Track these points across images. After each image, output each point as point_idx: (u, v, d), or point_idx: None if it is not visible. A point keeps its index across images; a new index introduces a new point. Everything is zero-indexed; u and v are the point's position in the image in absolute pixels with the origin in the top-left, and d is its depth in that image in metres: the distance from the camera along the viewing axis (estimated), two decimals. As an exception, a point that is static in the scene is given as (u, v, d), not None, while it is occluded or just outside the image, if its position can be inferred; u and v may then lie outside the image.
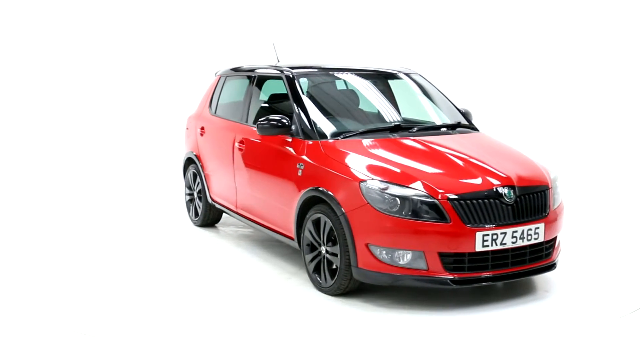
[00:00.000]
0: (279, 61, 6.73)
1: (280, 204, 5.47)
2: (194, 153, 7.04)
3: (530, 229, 4.68)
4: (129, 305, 4.84)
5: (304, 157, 5.19)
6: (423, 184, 4.59)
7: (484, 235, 4.52)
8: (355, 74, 6.08)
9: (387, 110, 5.86)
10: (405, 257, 4.54)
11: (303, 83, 5.76)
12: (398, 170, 4.74)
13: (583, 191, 8.46)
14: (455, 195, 4.55)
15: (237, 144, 6.11)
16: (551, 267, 4.94)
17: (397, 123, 5.51)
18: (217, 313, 4.69)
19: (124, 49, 11.76)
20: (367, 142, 5.20)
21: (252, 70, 6.49)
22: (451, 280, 4.54)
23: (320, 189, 4.92)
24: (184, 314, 4.67)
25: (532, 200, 4.75)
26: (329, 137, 5.26)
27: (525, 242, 4.67)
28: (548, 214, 4.83)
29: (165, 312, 4.70)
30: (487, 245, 4.54)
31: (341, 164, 4.91)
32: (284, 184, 5.39)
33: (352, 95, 5.95)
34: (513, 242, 4.62)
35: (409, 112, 5.96)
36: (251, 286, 5.26)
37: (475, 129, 5.85)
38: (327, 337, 4.29)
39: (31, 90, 11.50)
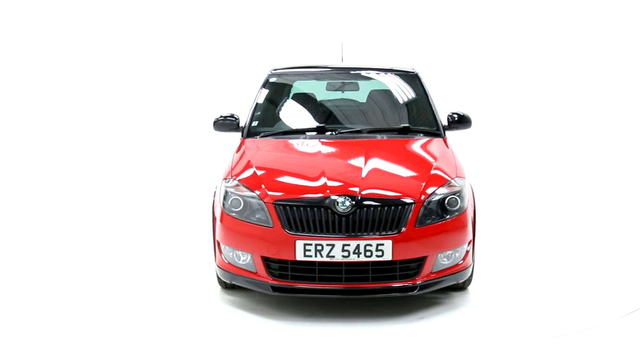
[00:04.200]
0: (342, 61, 6.87)
1: None
2: None
3: (369, 245, 4.29)
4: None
5: (233, 153, 5.42)
6: (265, 186, 4.54)
7: (305, 245, 4.30)
8: (345, 75, 6.00)
9: (341, 112, 5.71)
10: (243, 258, 4.56)
11: (273, 82, 5.90)
12: (260, 172, 4.71)
13: (580, 192, 8.70)
14: (282, 199, 4.41)
15: None
16: (410, 289, 4.42)
17: (322, 125, 5.37)
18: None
19: (202, 50, 12.31)
20: (271, 142, 5.26)
21: None
22: (271, 286, 4.44)
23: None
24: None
25: (377, 214, 4.33)
26: (251, 136, 5.41)
27: (363, 258, 4.30)
28: (402, 231, 4.34)
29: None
30: (310, 255, 4.31)
31: (232, 162, 5.04)
32: None
33: (316, 95, 5.90)
34: (344, 256, 4.29)
35: (375, 113, 5.72)
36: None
37: (434, 134, 5.36)
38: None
39: (77, 94, 11.94)
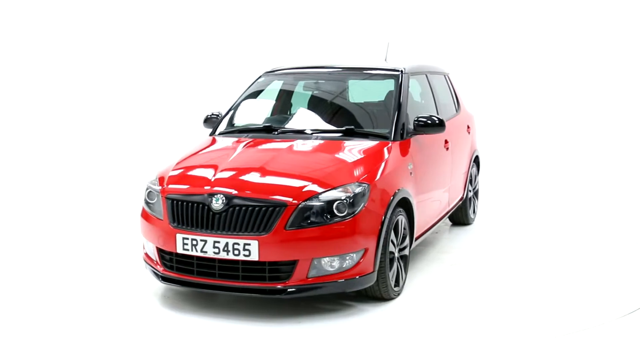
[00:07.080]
0: (386, 60, 6.87)
1: None
2: None
3: (237, 244, 4.35)
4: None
5: None
6: (167, 181, 4.79)
7: (183, 238, 4.50)
8: (327, 75, 5.98)
9: (301, 113, 5.71)
10: (151, 249, 4.86)
11: (261, 82, 6.07)
12: (176, 167, 4.95)
13: (581, 191, 8.63)
14: (171, 194, 4.64)
15: None
16: (279, 292, 4.36)
17: (268, 124, 5.43)
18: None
19: (233, 49, 12.16)
20: (220, 140, 5.47)
21: None
22: (161, 276, 4.69)
23: None
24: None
25: (247, 214, 4.36)
26: (214, 134, 5.67)
27: (231, 257, 4.37)
28: (269, 232, 4.31)
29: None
30: (188, 249, 4.49)
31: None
32: None
33: (291, 96, 5.94)
34: (215, 253, 4.40)
35: (334, 114, 5.65)
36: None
37: (384, 138, 5.14)
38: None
39: (74, 98, 11.98)
